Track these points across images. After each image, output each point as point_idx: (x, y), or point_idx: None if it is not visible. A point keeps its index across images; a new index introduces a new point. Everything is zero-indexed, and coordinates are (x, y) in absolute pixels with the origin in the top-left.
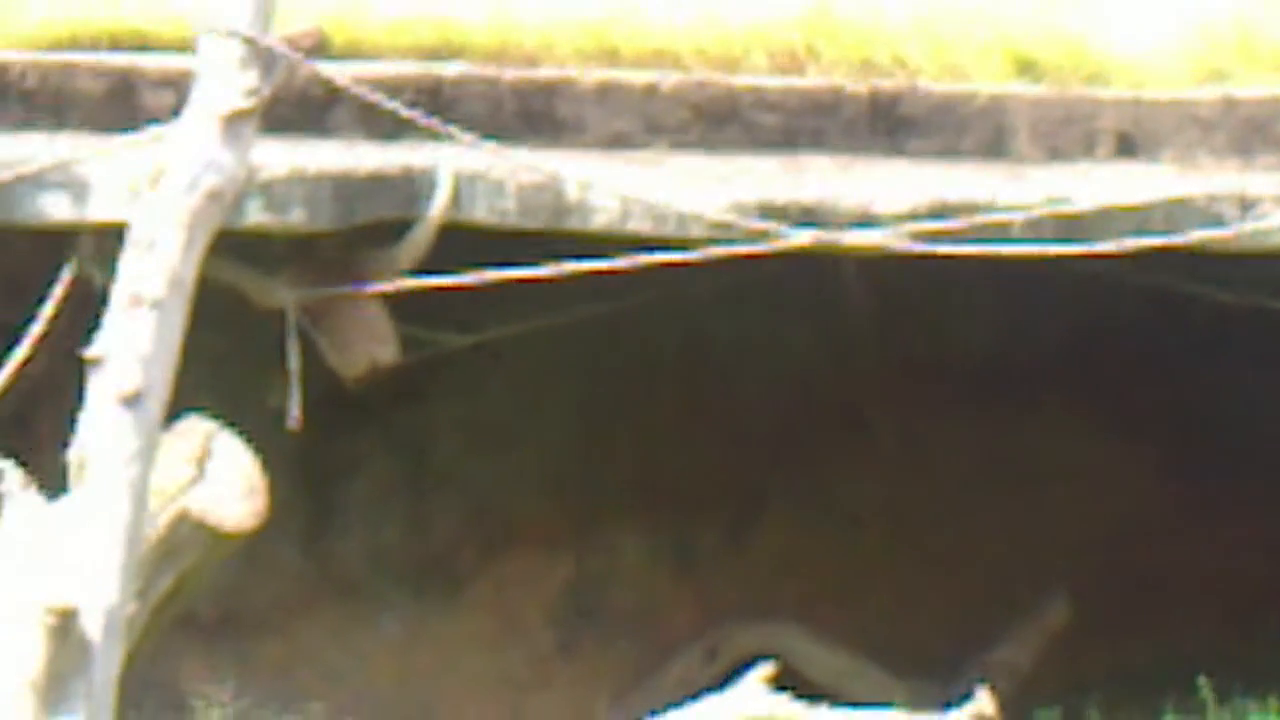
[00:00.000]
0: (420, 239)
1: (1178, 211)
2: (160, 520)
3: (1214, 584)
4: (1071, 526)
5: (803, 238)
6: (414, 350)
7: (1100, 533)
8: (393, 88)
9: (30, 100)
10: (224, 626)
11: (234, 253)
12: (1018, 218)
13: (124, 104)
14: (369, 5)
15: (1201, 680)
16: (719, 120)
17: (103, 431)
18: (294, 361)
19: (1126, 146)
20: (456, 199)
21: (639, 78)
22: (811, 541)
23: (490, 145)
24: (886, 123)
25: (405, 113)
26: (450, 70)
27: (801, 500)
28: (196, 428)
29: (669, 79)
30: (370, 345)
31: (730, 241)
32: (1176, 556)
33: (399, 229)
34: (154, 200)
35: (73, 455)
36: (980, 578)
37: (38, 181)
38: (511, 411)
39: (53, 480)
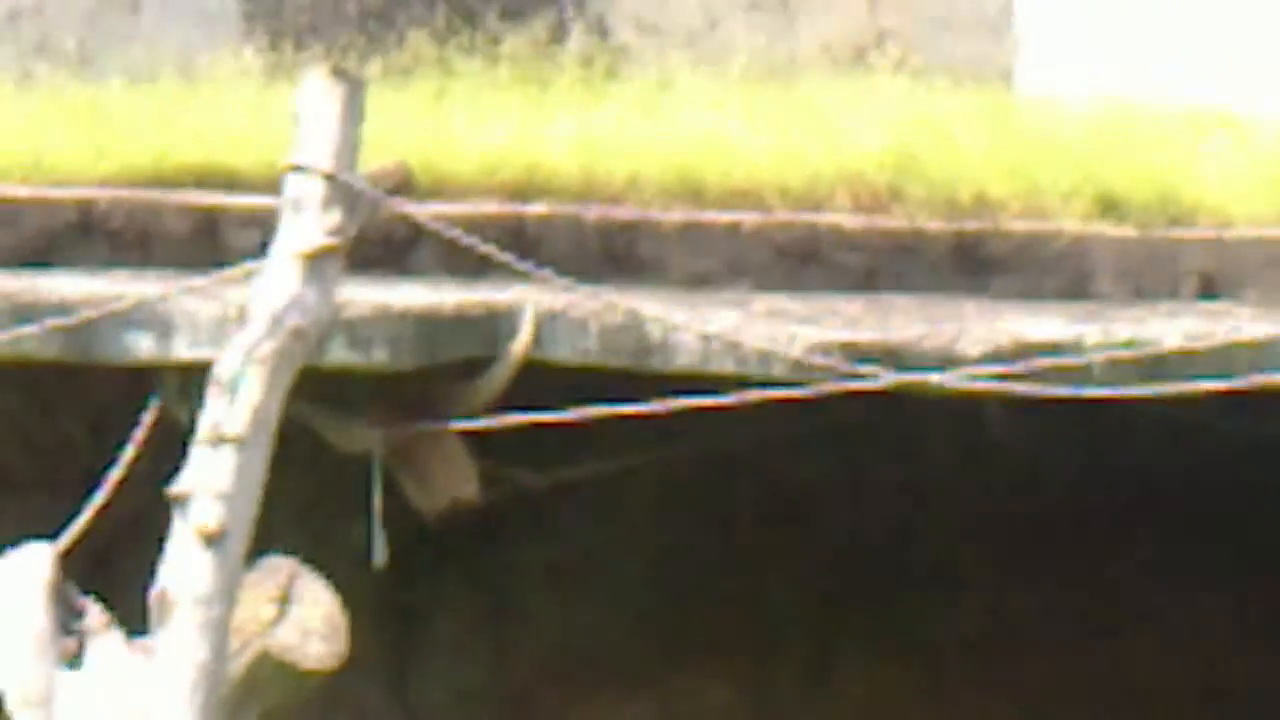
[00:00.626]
0: (501, 375)
1: (1261, 353)
2: (241, 660)
3: None
4: (1157, 668)
5: (888, 379)
6: (494, 488)
7: (1190, 693)
8: (477, 226)
9: (116, 238)
10: None
11: (315, 395)
12: (1099, 357)
13: (209, 242)
14: (455, 143)
15: None
16: (802, 260)
17: (184, 571)
18: (377, 501)
19: (1210, 287)
20: (538, 337)
21: (721, 218)
22: (894, 683)
23: (573, 284)
24: (969, 263)
25: (487, 250)
26: (534, 209)
27: (884, 641)
28: (279, 567)
29: (751, 219)
30: (452, 483)
31: (814, 383)
32: (1258, 709)
33: (480, 367)
34: (238, 338)
35: (154, 595)
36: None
37: (123, 320)
38: (591, 552)
39: (135, 620)
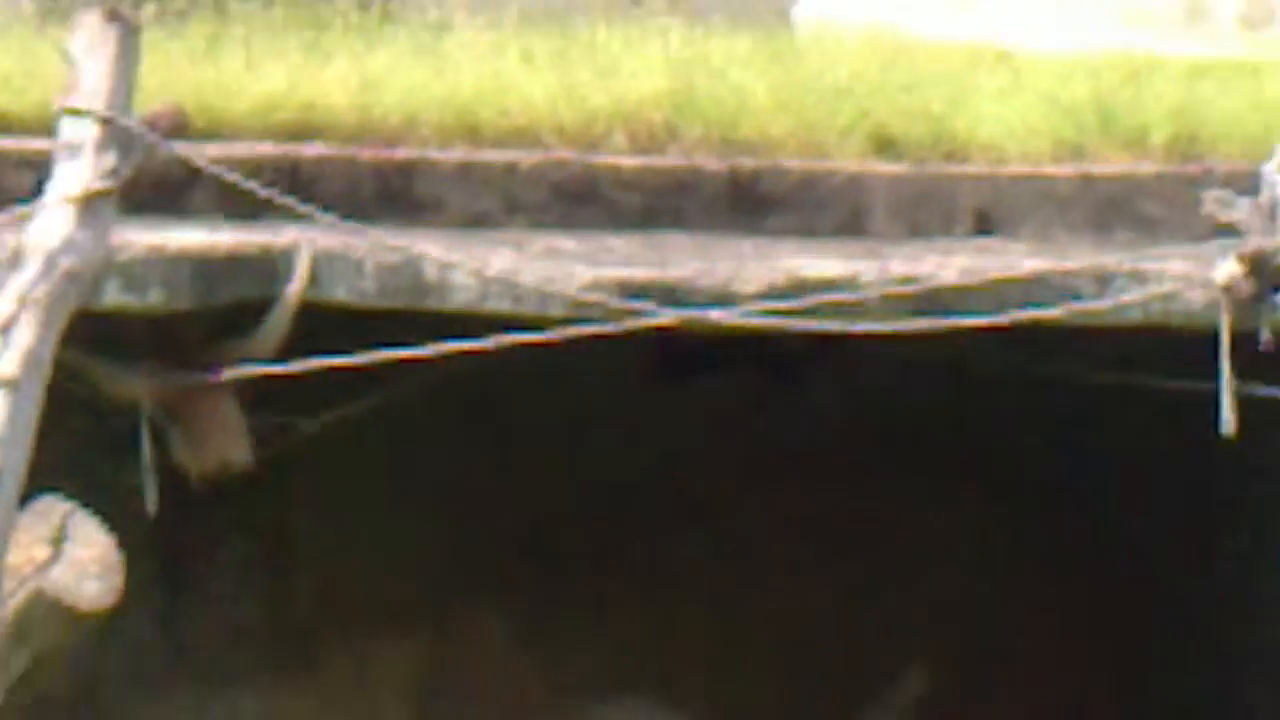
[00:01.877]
0: (278, 321)
1: (1035, 288)
2: (15, 600)
3: (1072, 657)
4: (932, 598)
5: (666, 317)
6: (266, 443)
7: (959, 604)
8: (253, 168)
9: None
10: (80, 706)
11: (92, 340)
12: (875, 294)
13: None
14: (231, 85)
15: None
16: (579, 199)
17: None
18: (146, 453)
19: (985, 224)
20: (315, 279)
21: (498, 157)
22: (674, 617)
23: (349, 225)
24: (746, 201)
25: (263, 192)
26: (309, 150)
27: (659, 578)
28: (53, 508)
29: (528, 158)
30: (222, 443)
31: (592, 320)
32: (1038, 628)
33: (259, 311)
34: (11, 281)
35: None
36: (843, 651)
37: None
38: (366, 489)
39: None
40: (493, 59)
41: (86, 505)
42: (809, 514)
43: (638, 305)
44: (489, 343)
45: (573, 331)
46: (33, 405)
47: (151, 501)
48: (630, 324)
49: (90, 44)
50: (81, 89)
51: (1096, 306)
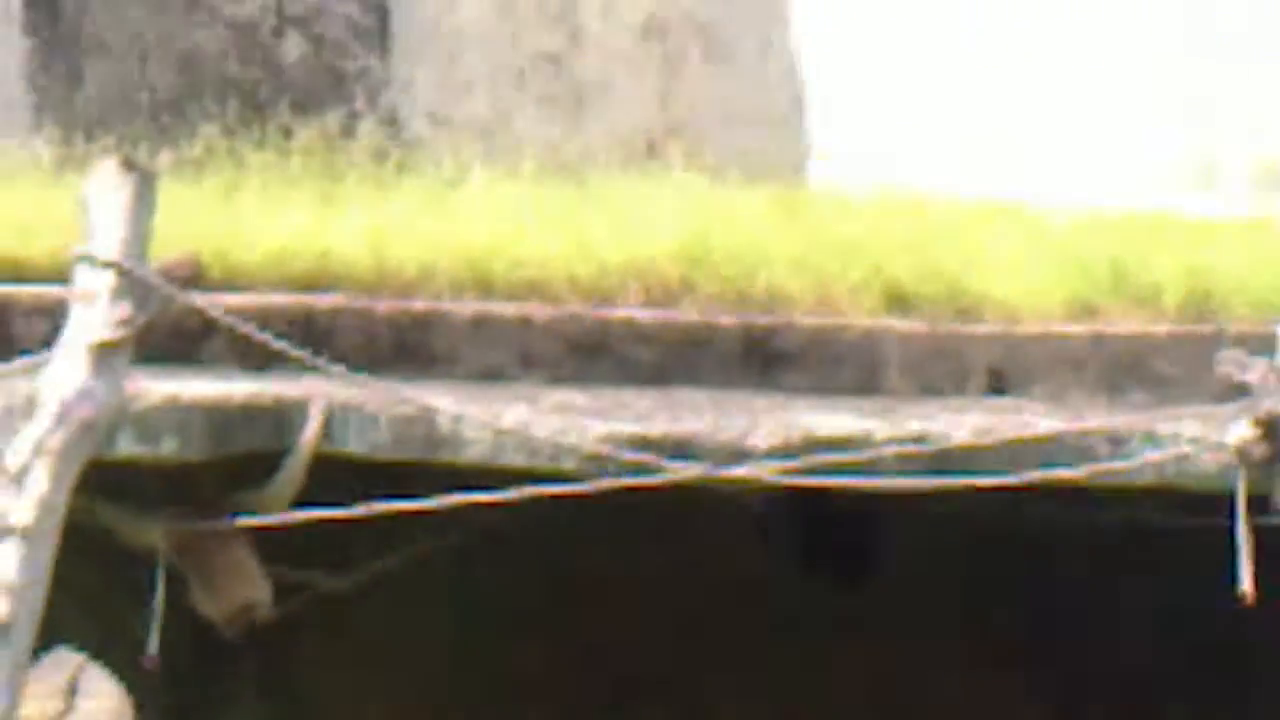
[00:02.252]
0: (292, 472)
1: (1049, 449)
2: None
3: None
4: None
5: (686, 471)
6: (286, 595)
7: None
8: (267, 318)
9: None
10: None
11: (107, 491)
12: (887, 451)
13: None
14: (247, 236)
15: None
16: (592, 353)
17: None
18: (159, 601)
19: (998, 382)
20: (328, 431)
21: (512, 310)
22: None
23: (362, 377)
24: (760, 357)
25: (277, 344)
26: (324, 301)
27: None
28: (66, 661)
29: (542, 312)
30: (242, 587)
31: (609, 474)
32: None
33: (273, 464)
34: (26, 429)
35: None
36: None
37: None
38: (385, 645)
39: None
40: (507, 211)
41: (100, 656)
42: (810, 675)
43: (649, 459)
44: (504, 494)
45: (597, 485)
46: (47, 555)
47: (153, 648)
48: (644, 480)
49: (106, 192)
50: (97, 237)
51: (1111, 467)
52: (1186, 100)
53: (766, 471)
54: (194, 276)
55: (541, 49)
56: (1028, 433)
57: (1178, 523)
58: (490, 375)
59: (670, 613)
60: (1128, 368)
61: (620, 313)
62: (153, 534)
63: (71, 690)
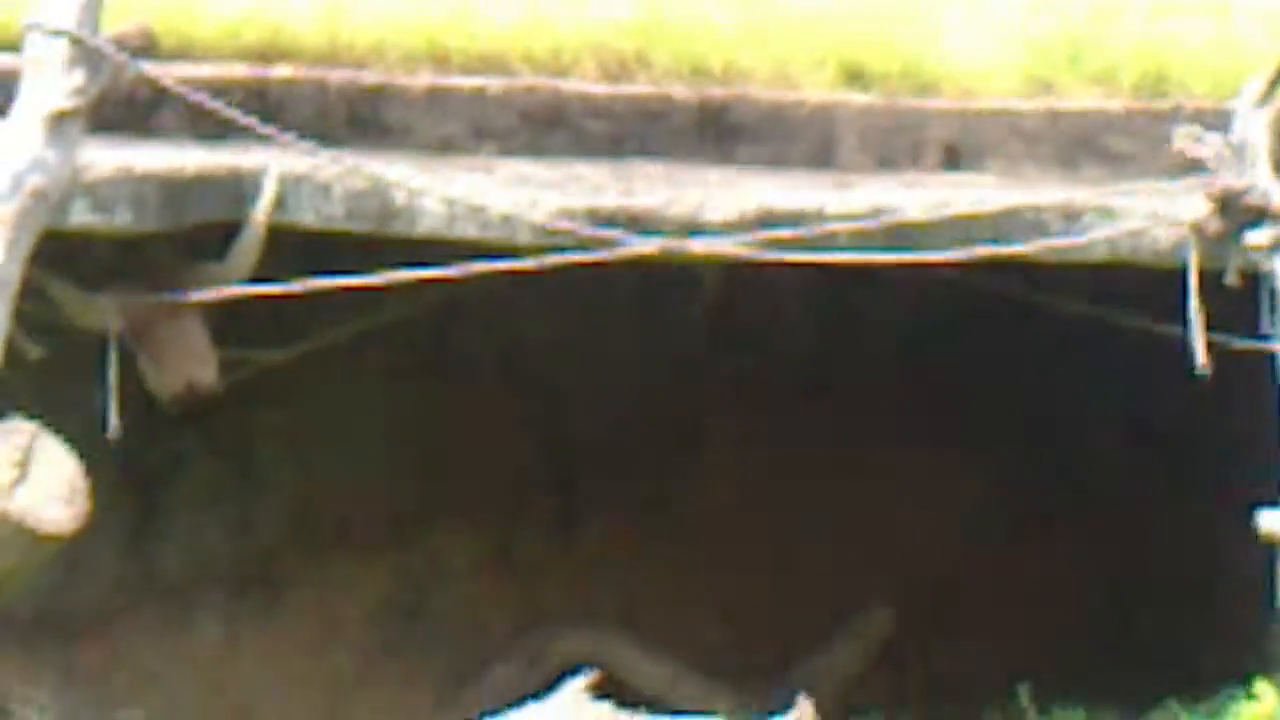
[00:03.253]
0: (247, 246)
1: (1004, 222)
2: None
3: (1039, 593)
4: (899, 534)
5: (647, 245)
6: (233, 370)
7: (927, 540)
8: (221, 89)
9: None
10: (43, 629)
11: (59, 263)
12: (846, 227)
13: None
14: (199, 6)
15: (1021, 688)
16: (547, 126)
17: None
18: (112, 372)
19: (953, 157)
20: (283, 202)
21: (466, 83)
22: (637, 546)
23: (316, 147)
24: (715, 130)
25: (231, 113)
26: (278, 73)
27: (627, 507)
28: (19, 429)
29: (496, 84)
30: (189, 366)
31: (567, 249)
32: (1000, 566)
33: (226, 241)
34: None
35: None
36: (807, 586)
37: None
38: (334, 415)
39: None
40: None
41: (52, 428)
42: (779, 445)
43: (607, 234)
44: (460, 269)
45: (553, 260)
46: (1, 324)
47: (114, 424)
48: (596, 257)
49: None
50: (49, 6)
51: (1064, 243)
52: None
53: (724, 246)
54: (146, 46)
55: None
56: (981, 208)
57: (1119, 320)
58: (444, 147)
59: (625, 381)
60: (1082, 143)
61: (575, 85)
62: (105, 310)
63: (24, 460)
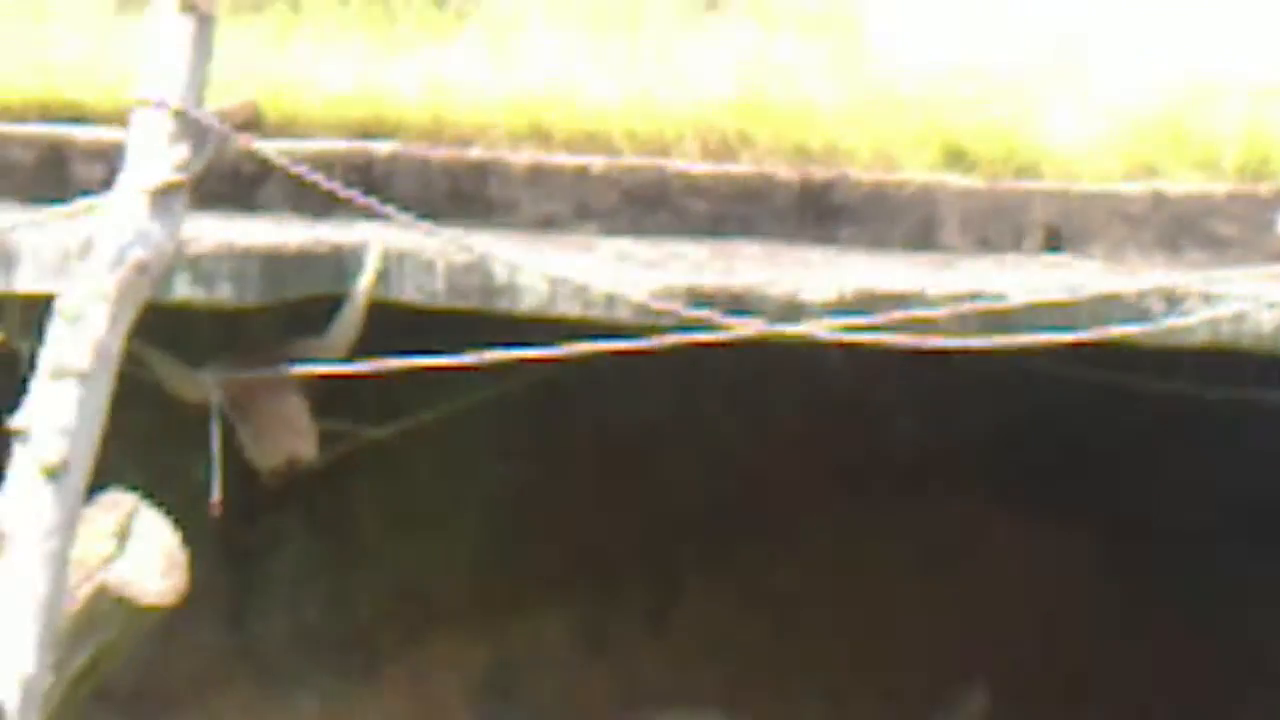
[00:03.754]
0: (348, 321)
1: (1105, 307)
2: (79, 594)
3: (1139, 683)
4: (999, 620)
5: (747, 326)
6: (333, 444)
7: (1027, 626)
8: (324, 164)
9: None
10: (141, 703)
11: (161, 337)
12: (944, 309)
13: (54, 174)
14: (305, 83)
15: None
16: (649, 205)
17: (24, 504)
18: (215, 446)
19: (1055, 240)
20: (385, 278)
21: (569, 161)
22: (734, 628)
23: (420, 223)
24: (816, 211)
25: (335, 188)
26: (382, 148)
27: (725, 587)
28: (119, 502)
29: (599, 162)
30: (289, 439)
31: (667, 329)
32: (1102, 653)
33: (328, 316)
34: (82, 272)
35: None
36: (906, 668)
37: None
38: (433, 492)
39: None
40: (564, 59)
41: (152, 499)
42: (872, 528)
43: (706, 314)
44: (564, 349)
45: (662, 341)
46: (101, 398)
47: (216, 498)
48: (697, 338)
49: (165, 34)
50: (155, 80)
51: (1166, 326)
52: None
53: (822, 327)
54: (251, 121)
55: None
56: (1083, 292)
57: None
58: (547, 225)
59: (724, 462)
60: (1185, 227)
61: (677, 164)
62: (204, 386)
63: (124, 533)
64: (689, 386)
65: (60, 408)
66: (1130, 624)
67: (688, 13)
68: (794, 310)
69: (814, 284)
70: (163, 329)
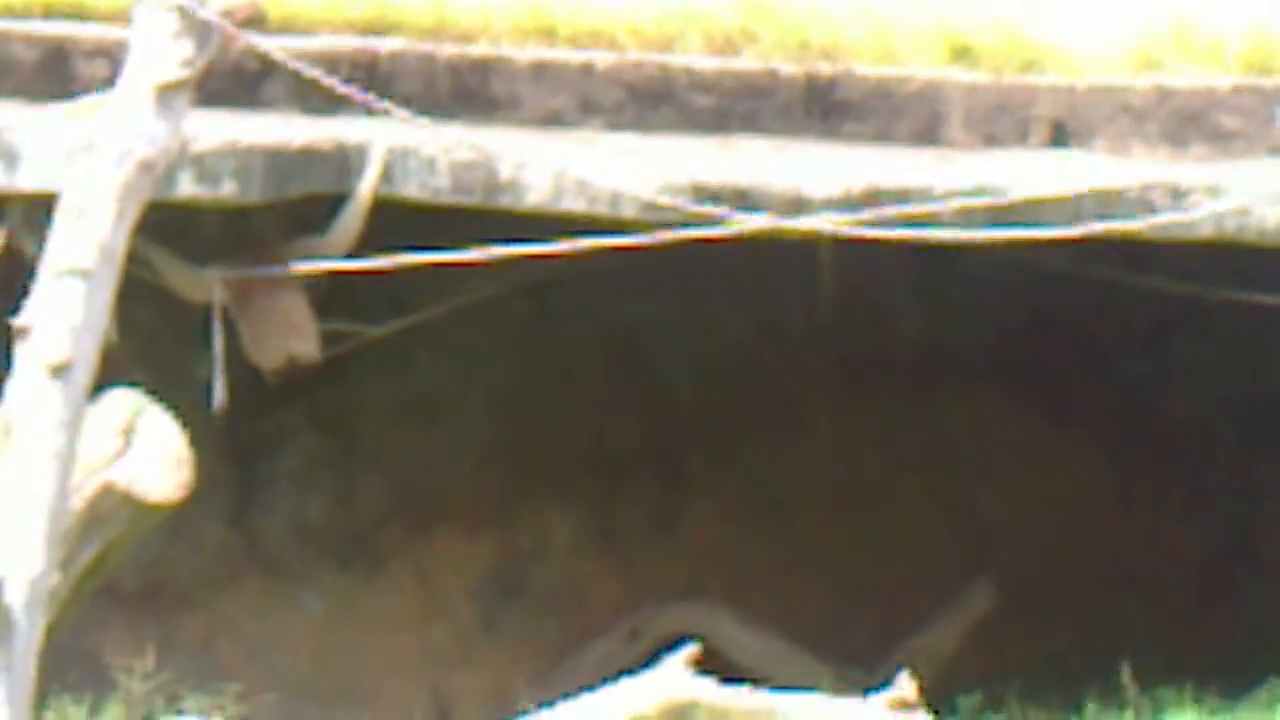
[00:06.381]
0: (351, 219)
1: (1110, 200)
2: (85, 491)
3: (1140, 574)
4: (1001, 514)
5: (753, 222)
6: (333, 344)
7: (1029, 520)
8: (327, 62)
9: None
10: (147, 599)
11: (163, 233)
12: (948, 204)
13: (57, 73)
14: None
15: (1123, 668)
16: (653, 100)
17: (29, 400)
18: (218, 345)
19: (1060, 135)
20: (388, 175)
21: (574, 57)
22: (739, 525)
23: (423, 121)
24: (821, 106)
25: (339, 87)
26: (386, 45)
27: (730, 484)
28: (124, 400)
29: (604, 58)
30: (289, 339)
31: (672, 225)
32: (1104, 545)
33: (331, 213)
34: (85, 170)
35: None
36: (908, 564)
37: None
38: (437, 389)
39: None
40: None
41: (157, 397)
42: (878, 427)
43: (712, 210)
44: (567, 245)
45: (663, 236)
46: (105, 296)
47: (219, 396)
48: (702, 233)
49: None
50: None
51: (1170, 220)
52: None
53: (828, 223)
54: (254, 19)
55: None
56: (1088, 185)
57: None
58: (550, 121)
59: (729, 360)
60: (1190, 121)
61: (681, 60)
62: (207, 284)
63: (129, 429)
64: (694, 284)
65: (65, 306)
66: (1133, 517)
67: None
68: (799, 206)
69: (819, 179)
70: (166, 227)
